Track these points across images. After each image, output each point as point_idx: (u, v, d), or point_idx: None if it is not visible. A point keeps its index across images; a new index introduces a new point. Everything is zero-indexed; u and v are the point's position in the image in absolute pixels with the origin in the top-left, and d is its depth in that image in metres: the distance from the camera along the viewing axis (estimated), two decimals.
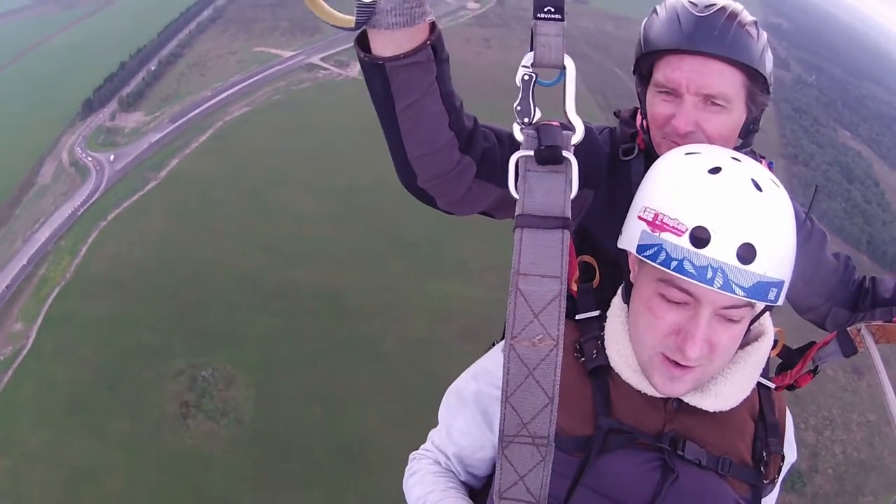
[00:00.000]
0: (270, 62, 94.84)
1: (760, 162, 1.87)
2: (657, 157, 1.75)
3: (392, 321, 54.68)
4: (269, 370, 50.53)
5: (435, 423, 1.87)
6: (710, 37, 1.72)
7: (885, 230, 77.88)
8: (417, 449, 1.93)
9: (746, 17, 1.78)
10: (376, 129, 1.52)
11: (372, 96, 1.50)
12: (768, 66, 1.81)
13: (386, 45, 1.37)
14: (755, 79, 1.78)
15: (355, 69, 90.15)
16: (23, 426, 46.25)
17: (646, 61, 1.86)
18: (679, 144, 1.72)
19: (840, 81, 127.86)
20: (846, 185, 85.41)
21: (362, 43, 1.42)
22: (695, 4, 1.76)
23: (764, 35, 1.82)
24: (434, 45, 1.41)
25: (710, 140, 1.76)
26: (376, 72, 1.42)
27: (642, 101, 1.92)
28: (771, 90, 1.86)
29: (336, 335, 53.21)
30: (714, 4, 1.76)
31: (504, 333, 1.95)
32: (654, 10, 1.86)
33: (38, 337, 54.19)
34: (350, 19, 1.30)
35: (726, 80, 1.75)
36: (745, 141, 1.89)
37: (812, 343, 1.88)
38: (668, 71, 1.77)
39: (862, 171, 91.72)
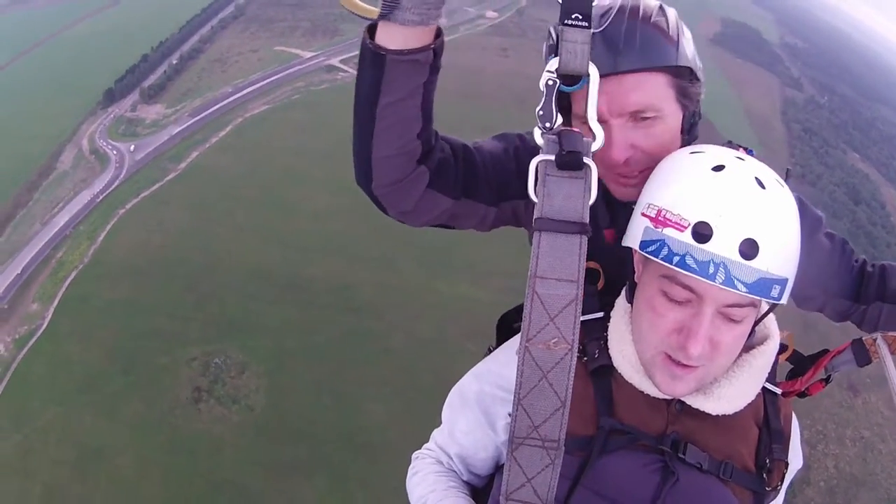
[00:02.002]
0: (290, 62, 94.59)
1: (738, 150, 1.71)
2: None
3: (402, 319, 54.73)
4: (281, 360, 50.65)
5: (439, 419, 1.86)
6: (616, 52, 1.55)
7: (889, 252, 77.25)
8: (420, 444, 1.92)
9: (649, 6, 1.61)
10: None
11: (358, 86, 1.50)
12: (689, 51, 1.62)
13: (395, 38, 1.38)
14: (680, 73, 1.62)
15: None
16: (34, 403, 46.26)
17: (562, 98, 1.64)
18: (625, 176, 1.67)
19: (852, 103, 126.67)
20: (852, 207, 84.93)
21: (370, 32, 1.44)
22: None
23: (673, 14, 1.63)
24: (436, 50, 1.43)
25: (651, 155, 1.61)
26: (375, 61, 1.42)
27: None
28: (700, 75, 1.67)
29: (347, 329, 53.27)
30: (609, 10, 1.59)
31: (497, 339, 2.09)
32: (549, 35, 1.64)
33: (53, 318, 54.11)
34: (372, 10, 1.36)
35: (648, 91, 1.58)
36: (691, 135, 1.74)
37: (825, 351, 1.83)
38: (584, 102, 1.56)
39: (869, 193, 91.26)
